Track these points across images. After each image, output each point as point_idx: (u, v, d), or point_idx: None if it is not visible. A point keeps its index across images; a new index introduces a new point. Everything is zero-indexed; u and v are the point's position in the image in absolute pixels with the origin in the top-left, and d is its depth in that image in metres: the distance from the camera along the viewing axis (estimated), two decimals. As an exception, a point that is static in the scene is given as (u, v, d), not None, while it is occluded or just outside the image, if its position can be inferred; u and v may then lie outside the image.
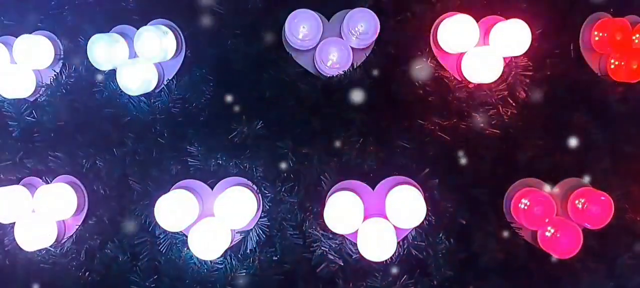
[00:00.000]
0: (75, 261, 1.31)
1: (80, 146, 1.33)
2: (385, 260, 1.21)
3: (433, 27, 1.30)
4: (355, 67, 1.27)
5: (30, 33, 1.35)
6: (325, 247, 1.25)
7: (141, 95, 1.30)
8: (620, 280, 1.24)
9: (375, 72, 1.28)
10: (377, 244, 1.20)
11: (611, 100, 1.30)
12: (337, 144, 1.27)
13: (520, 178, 1.26)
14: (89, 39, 1.26)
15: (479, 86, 1.28)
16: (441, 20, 1.29)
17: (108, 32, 1.31)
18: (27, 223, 1.29)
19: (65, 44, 1.35)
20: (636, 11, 1.32)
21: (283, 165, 1.27)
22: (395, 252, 1.20)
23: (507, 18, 1.26)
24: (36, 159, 1.34)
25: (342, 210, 1.20)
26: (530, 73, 1.28)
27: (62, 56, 1.36)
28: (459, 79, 1.29)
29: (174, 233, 1.27)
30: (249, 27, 1.29)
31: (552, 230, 1.20)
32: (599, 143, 1.28)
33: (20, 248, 1.28)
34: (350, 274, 1.25)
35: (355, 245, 1.22)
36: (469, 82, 1.28)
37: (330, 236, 1.25)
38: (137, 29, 1.29)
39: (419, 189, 1.23)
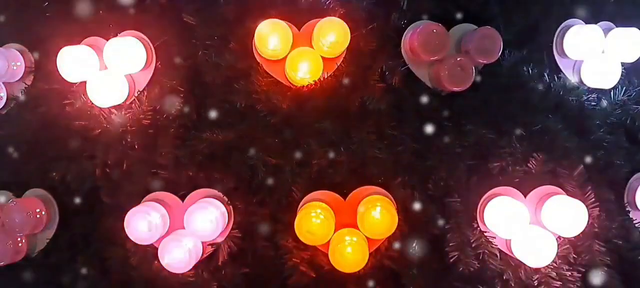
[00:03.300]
0: (46, 276, 1.30)
1: (51, 159, 1.32)
2: (358, 271, 1.19)
3: (404, 34, 1.29)
4: (326, 76, 1.26)
5: (0, 45, 1.35)
6: (297, 259, 1.23)
7: (112, 107, 1.29)
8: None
9: (346, 82, 1.26)
10: (350, 255, 1.19)
11: (585, 106, 1.29)
12: (309, 154, 1.25)
13: (494, 186, 1.24)
14: (60, 51, 1.26)
15: (451, 94, 1.27)
16: (413, 28, 1.29)
17: (79, 44, 1.30)
18: (-3, 238, 1.28)
19: (36, 56, 1.34)
20: (608, 18, 1.31)
21: (254, 176, 1.25)
22: (368, 263, 1.19)
23: (478, 25, 1.26)
24: (6, 173, 1.33)
25: (315, 222, 1.18)
26: (503, 80, 1.27)
27: (32, 68, 1.35)
28: (431, 87, 1.28)
29: (145, 246, 1.25)
30: (220, 38, 1.28)
31: (525, 238, 1.18)
32: (573, 150, 1.26)
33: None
34: (322, 286, 1.23)
35: (327, 256, 1.21)
36: (441, 90, 1.27)
37: (302, 247, 1.23)
38: (108, 41, 1.28)
39: (391, 199, 1.22)
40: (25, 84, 1.36)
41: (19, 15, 1.38)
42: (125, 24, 1.31)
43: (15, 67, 1.34)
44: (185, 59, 1.30)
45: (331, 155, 1.25)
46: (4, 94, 1.34)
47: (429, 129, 1.27)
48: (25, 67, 1.36)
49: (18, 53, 1.36)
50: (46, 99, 1.33)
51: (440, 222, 1.24)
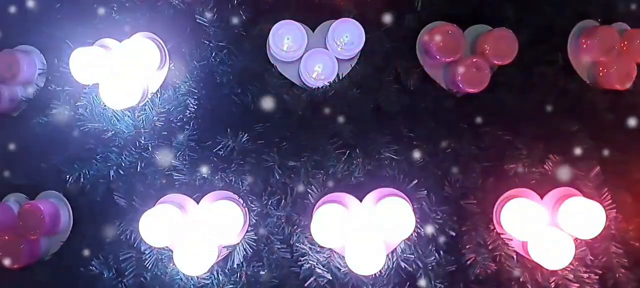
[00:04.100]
0: (59, 278, 1.29)
1: (64, 161, 1.31)
2: (374, 274, 1.19)
3: (419, 36, 1.29)
4: (340, 77, 1.26)
5: (12, 47, 1.34)
6: (313, 261, 1.23)
7: (125, 109, 1.28)
8: (613, 289, 1.23)
9: (361, 83, 1.26)
10: (366, 257, 1.18)
11: (600, 108, 1.29)
12: (324, 156, 1.25)
13: (510, 188, 1.24)
14: (72, 52, 1.25)
15: (467, 96, 1.26)
16: (427, 30, 1.28)
17: (91, 45, 1.29)
18: (10, 241, 1.27)
19: (48, 58, 1.34)
20: (623, 18, 1.30)
21: (269, 178, 1.25)
22: (384, 265, 1.18)
23: (493, 26, 1.25)
24: (19, 175, 1.33)
25: (330, 224, 1.18)
26: (518, 81, 1.27)
27: (45, 70, 1.35)
28: (446, 88, 1.28)
29: (160, 248, 1.25)
30: (234, 39, 1.28)
31: (542, 240, 1.18)
32: (589, 151, 1.26)
33: (5, 269, 1.27)
34: (339, 288, 1.23)
35: (343, 258, 1.20)
36: (456, 91, 1.27)
37: (318, 249, 1.23)
38: (121, 43, 1.28)
39: (407, 201, 1.21)
40: (37, 86, 1.36)
41: (30, 17, 1.37)
42: (138, 25, 1.30)
43: (28, 70, 1.33)
44: (198, 60, 1.29)
45: (346, 156, 1.24)
46: (18, 97, 1.34)
47: (445, 130, 1.26)
48: (37, 69, 1.35)
49: (30, 55, 1.36)
50: (58, 101, 1.32)
51: (457, 224, 1.24)
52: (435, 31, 1.25)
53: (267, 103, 1.26)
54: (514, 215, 1.19)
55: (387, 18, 1.28)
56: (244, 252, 1.24)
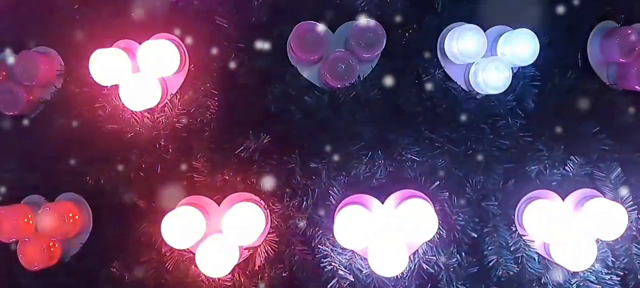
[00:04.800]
0: (80, 280, 1.29)
1: (84, 163, 1.31)
2: (396, 275, 1.19)
3: (440, 37, 1.28)
4: (361, 79, 1.25)
5: (31, 49, 1.34)
6: (335, 263, 1.23)
7: (145, 111, 1.28)
8: (634, 291, 1.23)
9: (382, 84, 1.26)
10: (388, 259, 1.18)
11: (620, 109, 1.29)
12: (346, 157, 1.25)
13: (531, 190, 1.24)
14: (90, 54, 1.24)
15: (487, 97, 1.26)
16: (449, 30, 1.28)
17: (111, 47, 1.28)
18: (30, 243, 1.27)
19: (67, 59, 1.33)
20: (643, 20, 1.31)
21: (291, 180, 1.25)
22: (406, 267, 1.18)
23: (513, 27, 1.25)
24: (39, 177, 1.32)
25: (353, 226, 1.18)
26: (538, 83, 1.27)
27: (63, 71, 1.34)
28: (466, 89, 1.28)
29: (181, 250, 1.24)
30: (253, 40, 1.27)
31: (564, 242, 1.18)
32: (610, 153, 1.26)
33: (24, 269, 1.26)
34: (361, 290, 1.23)
35: (365, 260, 1.20)
36: (477, 92, 1.27)
37: (340, 251, 1.23)
38: (140, 44, 1.27)
39: (429, 202, 1.21)
40: (56, 87, 1.35)
41: (48, 18, 1.36)
42: (158, 26, 1.29)
43: (47, 71, 1.33)
44: (218, 62, 1.29)
45: (368, 158, 1.24)
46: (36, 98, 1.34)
47: (465, 131, 1.26)
48: (56, 70, 1.35)
49: (48, 56, 1.35)
50: (77, 103, 1.32)
51: (478, 226, 1.24)
52: (455, 32, 1.24)
53: (288, 104, 1.26)
54: (535, 217, 1.20)
55: (408, 19, 1.27)
56: (266, 254, 1.24)
